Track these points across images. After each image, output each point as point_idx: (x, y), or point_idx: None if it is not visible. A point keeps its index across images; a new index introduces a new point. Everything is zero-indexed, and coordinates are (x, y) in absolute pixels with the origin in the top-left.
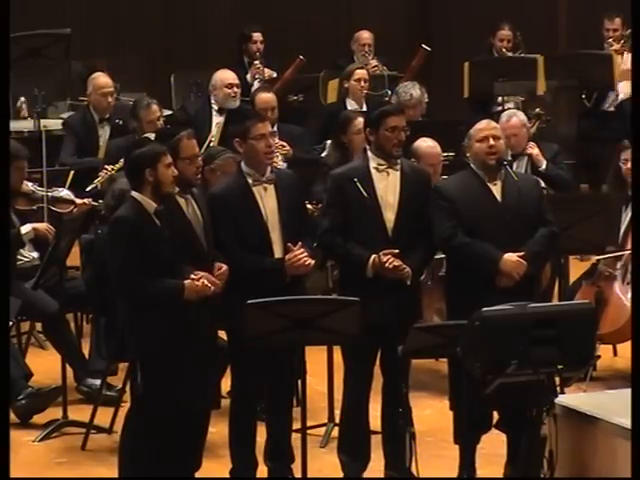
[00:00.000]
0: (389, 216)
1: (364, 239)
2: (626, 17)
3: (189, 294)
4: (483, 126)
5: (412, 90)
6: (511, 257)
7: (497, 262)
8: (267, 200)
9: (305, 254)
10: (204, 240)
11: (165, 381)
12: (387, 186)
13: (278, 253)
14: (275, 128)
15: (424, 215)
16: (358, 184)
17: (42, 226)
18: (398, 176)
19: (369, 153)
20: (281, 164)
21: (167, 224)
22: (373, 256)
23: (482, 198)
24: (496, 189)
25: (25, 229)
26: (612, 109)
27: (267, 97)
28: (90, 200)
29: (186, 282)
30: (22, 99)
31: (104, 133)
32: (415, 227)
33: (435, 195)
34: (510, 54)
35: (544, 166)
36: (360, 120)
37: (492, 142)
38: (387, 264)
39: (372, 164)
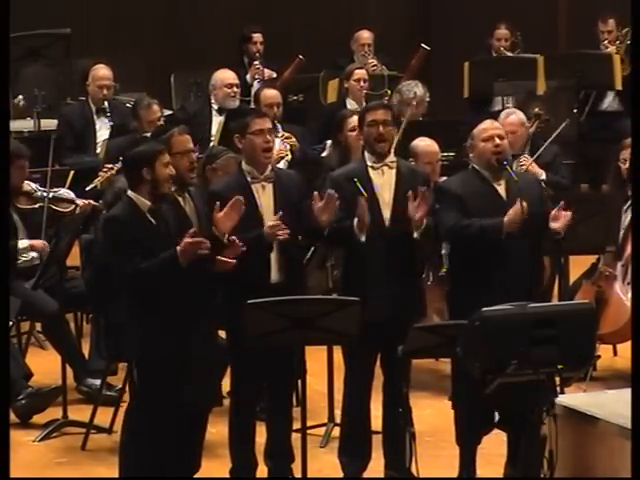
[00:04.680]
0: (386, 214)
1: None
2: (621, 17)
3: (184, 256)
4: (487, 126)
5: (415, 88)
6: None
7: (501, 225)
8: (264, 198)
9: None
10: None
11: (164, 381)
12: (383, 184)
13: (274, 250)
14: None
15: None
16: (358, 184)
17: (39, 243)
18: (394, 174)
19: (365, 153)
20: (288, 156)
21: (165, 221)
22: (355, 219)
23: (487, 197)
24: (501, 188)
25: (22, 244)
26: (612, 109)
27: (272, 93)
28: (91, 201)
29: (178, 247)
30: (20, 97)
31: (102, 125)
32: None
33: (438, 194)
34: (509, 53)
35: (544, 177)
36: (354, 118)
37: (497, 141)
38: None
39: (369, 163)
